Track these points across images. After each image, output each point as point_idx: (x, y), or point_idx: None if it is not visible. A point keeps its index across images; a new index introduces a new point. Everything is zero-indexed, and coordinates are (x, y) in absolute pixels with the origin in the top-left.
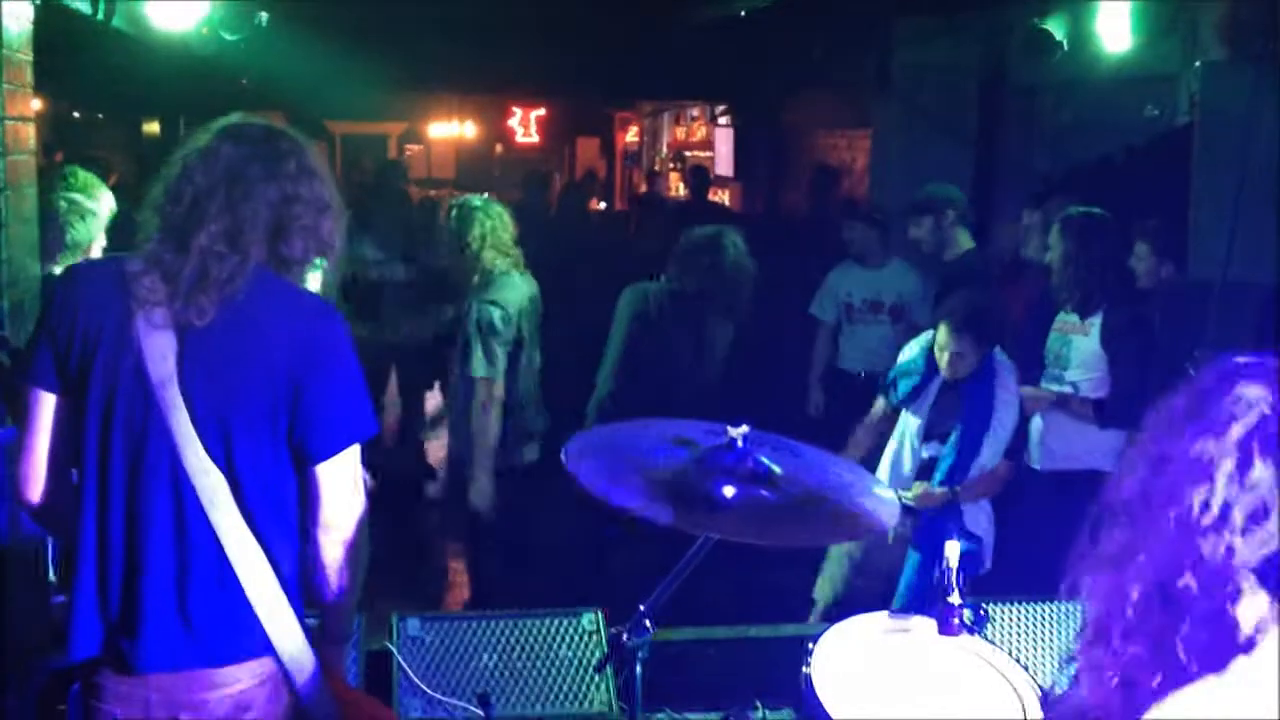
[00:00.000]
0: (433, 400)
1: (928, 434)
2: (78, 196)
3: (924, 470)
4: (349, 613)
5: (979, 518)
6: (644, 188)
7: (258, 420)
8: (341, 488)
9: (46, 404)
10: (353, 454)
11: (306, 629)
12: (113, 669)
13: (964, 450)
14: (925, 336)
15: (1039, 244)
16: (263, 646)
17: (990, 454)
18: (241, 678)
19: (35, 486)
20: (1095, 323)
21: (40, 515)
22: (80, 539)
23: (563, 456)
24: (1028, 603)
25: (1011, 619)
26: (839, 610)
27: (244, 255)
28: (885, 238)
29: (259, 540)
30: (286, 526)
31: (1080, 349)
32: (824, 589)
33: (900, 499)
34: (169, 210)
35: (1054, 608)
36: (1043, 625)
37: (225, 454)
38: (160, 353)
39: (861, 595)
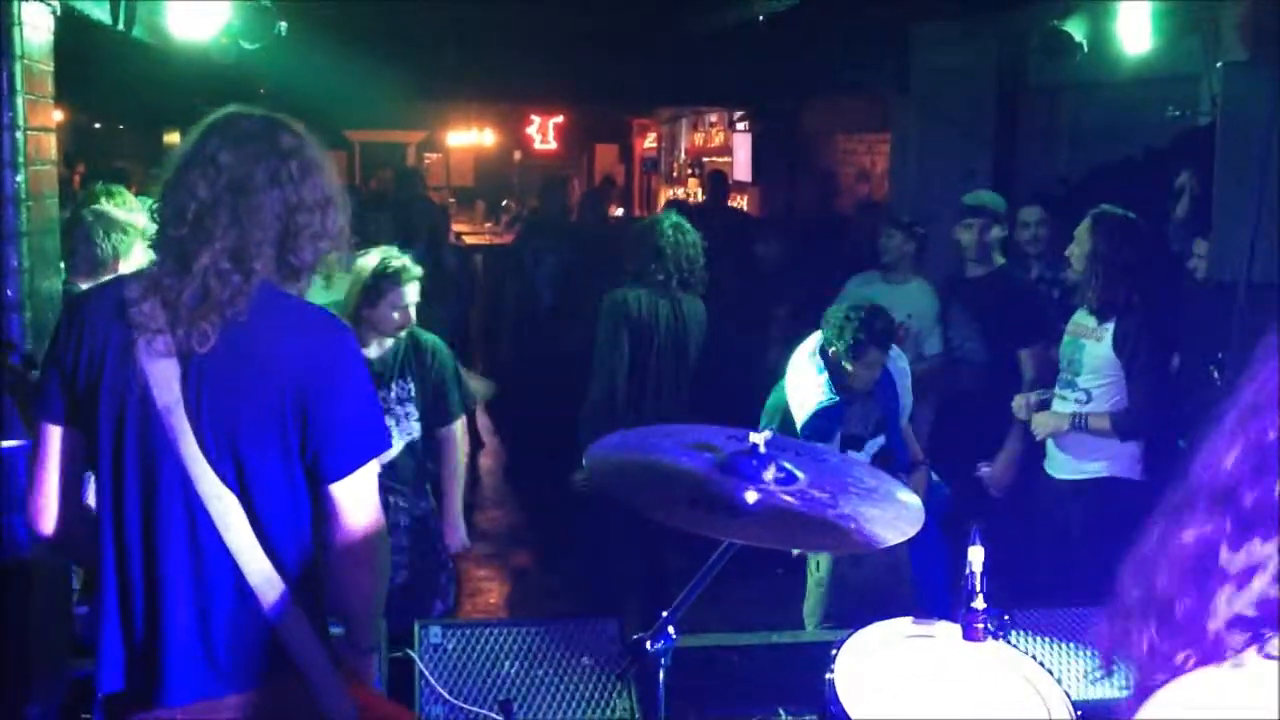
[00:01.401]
0: None
1: (859, 442)
2: (106, 209)
3: (878, 461)
4: (373, 624)
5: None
6: (669, 195)
7: (267, 442)
8: (358, 505)
9: (55, 436)
10: (368, 470)
11: (329, 642)
12: (140, 702)
13: (895, 429)
14: (810, 378)
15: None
16: (286, 667)
17: (907, 414)
18: (267, 700)
19: (47, 519)
20: (1109, 328)
21: (58, 546)
22: (100, 569)
23: (585, 461)
24: (1051, 609)
25: (1035, 625)
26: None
27: (248, 273)
28: (920, 253)
29: (276, 560)
30: (303, 545)
31: (1092, 354)
32: (810, 620)
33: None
34: (170, 229)
35: (1078, 614)
36: (1066, 632)
37: (237, 477)
38: (165, 380)
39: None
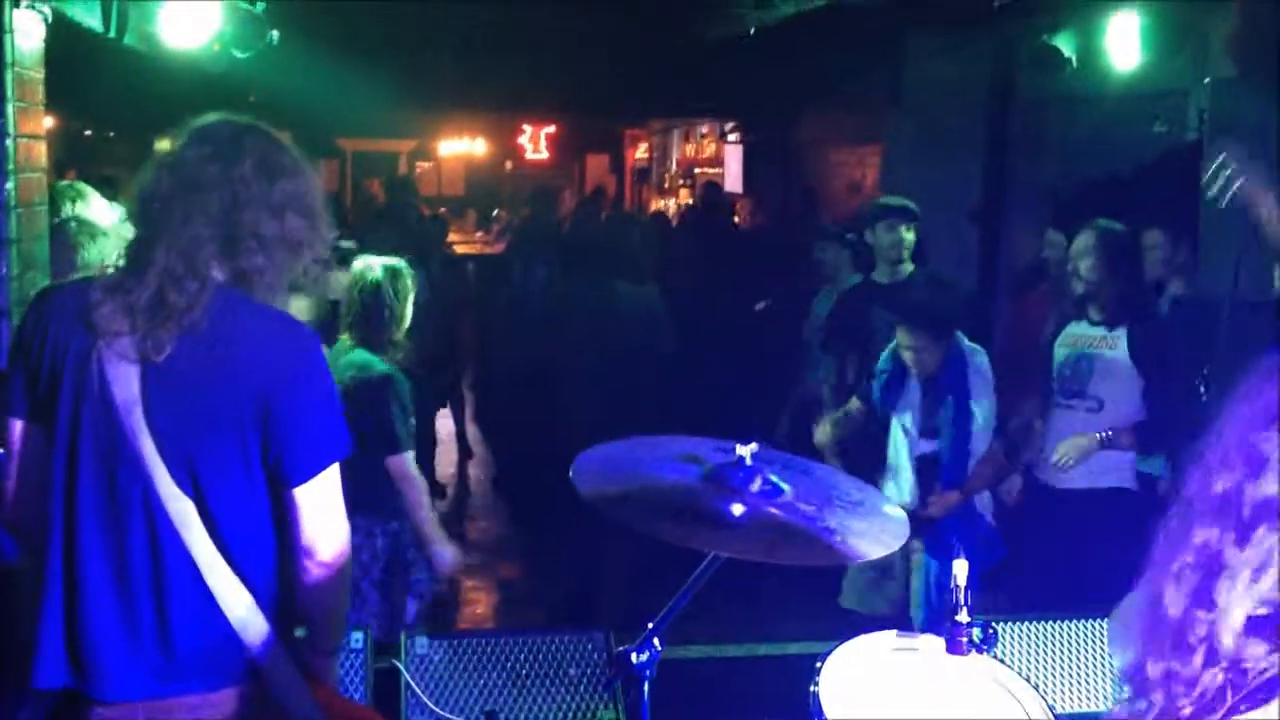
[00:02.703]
0: (443, 419)
1: (921, 431)
2: (88, 216)
3: (923, 466)
4: (336, 627)
5: (983, 501)
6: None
7: (226, 448)
8: (321, 509)
9: (20, 431)
10: (331, 474)
11: (293, 645)
12: (95, 697)
13: (958, 443)
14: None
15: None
16: (246, 670)
17: (978, 439)
18: (227, 700)
19: (20, 514)
20: (1121, 336)
21: (29, 540)
22: (47, 565)
23: (571, 473)
24: (1038, 621)
25: (1022, 637)
26: (865, 620)
27: (202, 277)
28: (856, 259)
29: (235, 563)
30: (263, 548)
31: (1106, 363)
32: (849, 598)
33: (920, 515)
34: (136, 229)
35: (1065, 626)
36: (1054, 644)
37: (193, 482)
38: (124, 383)
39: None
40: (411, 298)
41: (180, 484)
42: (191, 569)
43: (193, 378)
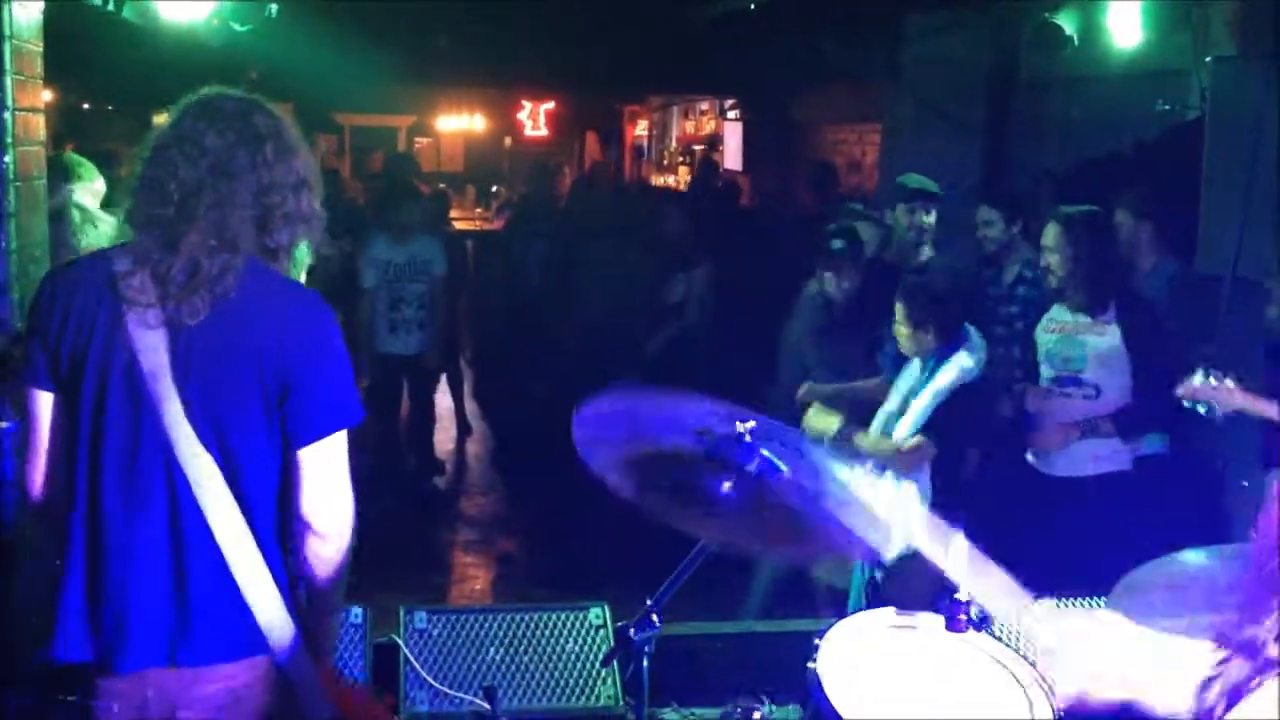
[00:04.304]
0: (442, 395)
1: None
2: (90, 205)
3: None
4: (335, 590)
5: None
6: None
7: (251, 413)
8: (326, 472)
9: (45, 404)
10: (338, 439)
11: (297, 614)
12: (109, 668)
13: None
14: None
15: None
16: (257, 642)
17: (909, 420)
18: (237, 673)
19: (40, 486)
20: (1111, 323)
21: (50, 514)
22: (69, 536)
23: (574, 431)
24: (1035, 600)
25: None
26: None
27: (234, 250)
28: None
29: (253, 526)
30: (282, 510)
31: (1098, 349)
32: (821, 572)
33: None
34: (155, 208)
35: (1064, 605)
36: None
37: (220, 446)
38: (152, 350)
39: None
40: (305, 264)
41: (206, 443)
42: (209, 535)
43: (222, 344)
